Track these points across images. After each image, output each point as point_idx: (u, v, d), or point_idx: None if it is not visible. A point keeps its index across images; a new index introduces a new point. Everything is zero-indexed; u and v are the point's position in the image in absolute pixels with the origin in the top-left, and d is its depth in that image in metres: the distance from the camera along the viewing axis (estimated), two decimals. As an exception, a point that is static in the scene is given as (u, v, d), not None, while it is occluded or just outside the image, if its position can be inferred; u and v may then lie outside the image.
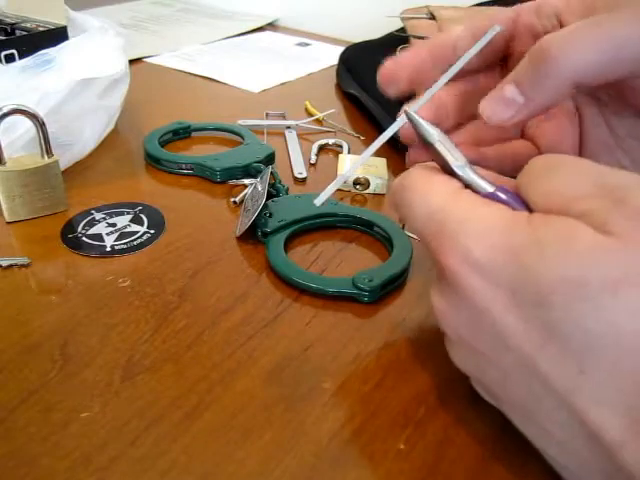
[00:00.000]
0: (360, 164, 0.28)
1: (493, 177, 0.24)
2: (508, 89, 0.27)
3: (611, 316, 0.18)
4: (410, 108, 0.26)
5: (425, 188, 0.24)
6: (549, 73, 0.25)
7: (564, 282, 0.18)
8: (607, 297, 0.18)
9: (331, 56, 0.74)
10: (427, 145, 0.25)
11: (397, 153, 0.49)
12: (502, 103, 0.27)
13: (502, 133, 0.32)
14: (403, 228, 0.38)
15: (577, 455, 0.20)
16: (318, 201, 0.26)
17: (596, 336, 0.18)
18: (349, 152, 0.50)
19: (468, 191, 0.23)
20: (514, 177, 0.24)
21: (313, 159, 0.49)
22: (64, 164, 0.43)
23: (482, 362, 0.23)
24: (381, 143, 0.27)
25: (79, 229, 0.39)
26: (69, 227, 0.39)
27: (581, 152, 0.31)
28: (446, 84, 0.29)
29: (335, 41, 0.82)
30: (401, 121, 0.27)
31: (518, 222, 0.20)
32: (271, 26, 0.90)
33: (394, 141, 0.30)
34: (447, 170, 0.24)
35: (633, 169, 0.29)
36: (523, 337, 0.20)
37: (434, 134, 0.24)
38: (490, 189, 0.23)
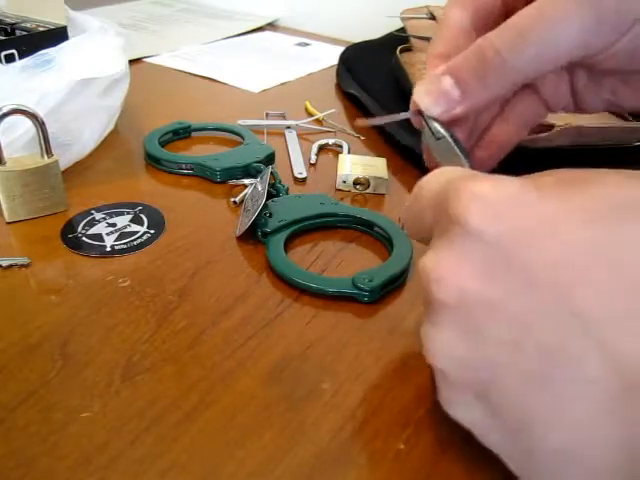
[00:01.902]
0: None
1: None
2: (446, 81, 0.26)
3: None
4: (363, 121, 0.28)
5: (435, 173, 0.24)
6: (493, 74, 0.25)
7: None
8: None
9: (331, 56, 0.74)
10: (438, 141, 0.25)
11: (397, 153, 0.49)
12: (437, 95, 0.27)
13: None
14: (403, 228, 0.38)
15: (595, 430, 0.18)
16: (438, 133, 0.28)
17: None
18: (349, 152, 0.50)
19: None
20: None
21: (313, 159, 0.49)
22: (64, 164, 0.43)
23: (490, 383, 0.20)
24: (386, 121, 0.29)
25: (79, 229, 0.39)
26: (69, 227, 0.39)
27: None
28: None
29: (335, 41, 0.82)
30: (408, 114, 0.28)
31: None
32: (271, 26, 0.90)
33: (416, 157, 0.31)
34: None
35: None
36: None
37: (442, 131, 0.25)
38: None
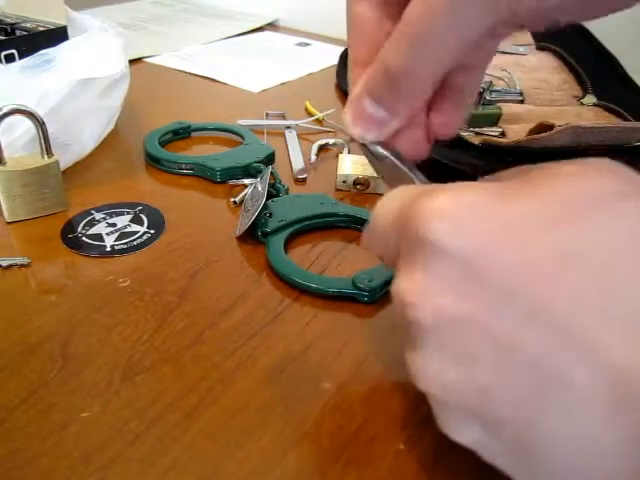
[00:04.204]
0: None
1: None
2: (367, 104, 0.25)
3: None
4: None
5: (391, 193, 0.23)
6: (409, 86, 0.24)
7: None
8: None
9: (331, 56, 0.74)
10: (382, 162, 0.25)
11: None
12: (367, 122, 0.25)
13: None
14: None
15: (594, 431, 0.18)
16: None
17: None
18: (349, 152, 0.50)
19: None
20: None
21: (313, 159, 0.49)
22: (64, 164, 0.43)
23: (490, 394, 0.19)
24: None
25: (79, 229, 0.39)
26: (69, 227, 0.39)
27: None
28: None
29: (335, 41, 0.82)
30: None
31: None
32: (271, 26, 0.90)
33: None
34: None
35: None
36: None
37: (383, 152, 0.25)
38: None
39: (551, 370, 0.18)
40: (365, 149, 0.26)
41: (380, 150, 0.25)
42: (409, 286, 0.20)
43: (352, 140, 0.26)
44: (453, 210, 0.19)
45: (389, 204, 0.23)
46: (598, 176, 0.19)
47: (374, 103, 0.25)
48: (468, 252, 0.19)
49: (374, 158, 0.26)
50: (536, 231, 0.18)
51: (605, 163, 0.20)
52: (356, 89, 0.25)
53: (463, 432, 0.21)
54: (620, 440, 0.17)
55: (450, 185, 0.20)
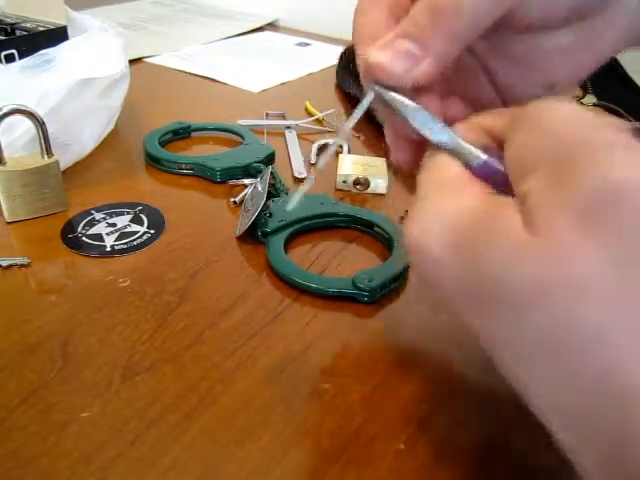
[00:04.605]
0: (333, 146, 0.26)
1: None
2: (401, 42, 0.22)
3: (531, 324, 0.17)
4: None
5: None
6: (453, 22, 0.22)
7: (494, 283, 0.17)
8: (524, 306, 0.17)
9: (331, 56, 0.73)
10: (404, 120, 0.23)
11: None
12: (395, 53, 0.22)
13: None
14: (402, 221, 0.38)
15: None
16: (290, 206, 0.24)
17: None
18: (349, 152, 0.50)
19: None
20: None
21: (313, 159, 0.49)
22: (64, 164, 0.43)
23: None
24: (355, 119, 0.24)
25: (79, 229, 0.39)
26: (69, 227, 0.39)
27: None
28: None
29: (335, 41, 0.82)
30: (370, 97, 0.24)
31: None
32: (271, 26, 0.90)
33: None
34: (432, 144, 0.22)
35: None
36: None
37: (410, 106, 0.23)
38: (483, 156, 0.21)
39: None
40: (388, 97, 0.23)
41: (403, 98, 0.22)
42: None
43: (374, 84, 0.23)
44: (453, 223, 0.19)
45: (429, 230, 0.20)
46: None
47: (409, 41, 0.22)
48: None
49: (400, 106, 0.23)
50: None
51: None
52: (385, 37, 0.23)
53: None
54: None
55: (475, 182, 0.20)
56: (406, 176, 0.46)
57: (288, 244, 0.37)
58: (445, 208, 0.20)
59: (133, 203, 0.42)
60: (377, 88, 0.23)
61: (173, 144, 0.51)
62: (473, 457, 0.25)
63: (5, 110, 0.36)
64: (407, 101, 0.23)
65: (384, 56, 0.22)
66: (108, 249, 0.37)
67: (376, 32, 0.24)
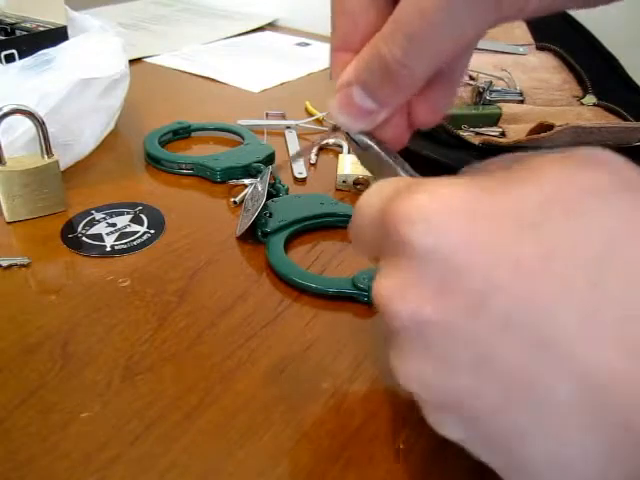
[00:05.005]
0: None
1: None
2: (357, 94, 0.24)
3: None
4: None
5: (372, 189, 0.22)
6: (403, 81, 0.23)
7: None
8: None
9: (331, 56, 0.73)
10: (365, 152, 0.25)
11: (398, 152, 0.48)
12: (354, 112, 0.24)
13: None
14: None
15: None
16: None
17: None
18: (349, 152, 0.50)
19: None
20: None
21: (313, 159, 0.49)
22: (64, 164, 0.43)
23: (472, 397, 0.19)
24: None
25: (79, 229, 0.39)
26: (69, 227, 0.39)
27: None
28: None
29: (335, 41, 0.82)
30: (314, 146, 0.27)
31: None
32: (271, 26, 0.90)
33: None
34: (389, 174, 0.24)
35: None
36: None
37: (367, 141, 0.24)
38: None
39: (529, 373, 0.17)
40: (349, 138, 0.25)
41: (364, 139, 0.25)
42: (389, 285, 0.20)
43: (336, 129, 0.25)
44: (432, 209, 0.19)
45: (369, 199, 0.22)
46: (585, 167, 0.19)
47: (364, 93, 0.24)
48: (447, 252, 0.18)
49: (358, 147, 0.25)
50: (520, 228, 0.18)
51: (592, 153, 0.19)
52: (345, 76, 0.24)
53: (448, 428, 0.21)
54: (603, 449, 0.17)
55: (432, 180, 0.20)
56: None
57: (288, 244, 0.37)
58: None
59: (133, 203, 0.42)
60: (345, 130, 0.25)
61: (173, 144, 0.51)
62: (473, 457, 0.25)
63: (5, 110, 0.36)
64: (364, 141, 0.25)
65: (343, 119, 0.24)
66: (108, 249, 0.37)
67: (351, 35, 0.24)
